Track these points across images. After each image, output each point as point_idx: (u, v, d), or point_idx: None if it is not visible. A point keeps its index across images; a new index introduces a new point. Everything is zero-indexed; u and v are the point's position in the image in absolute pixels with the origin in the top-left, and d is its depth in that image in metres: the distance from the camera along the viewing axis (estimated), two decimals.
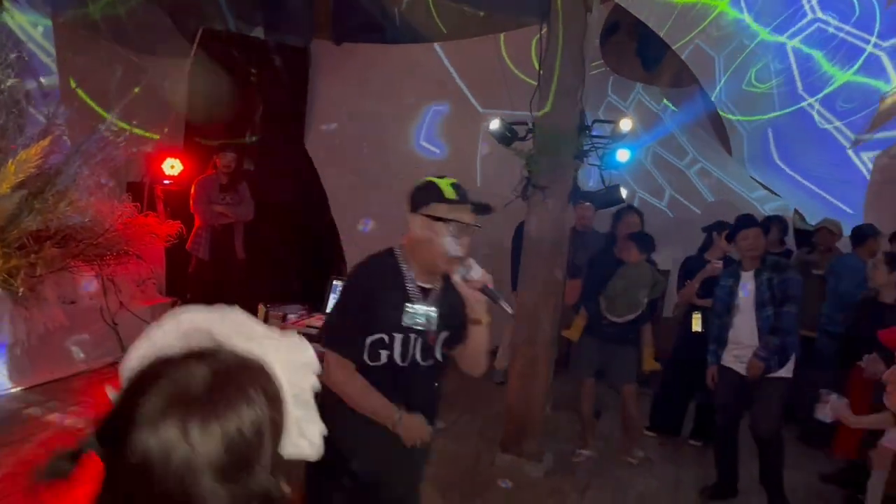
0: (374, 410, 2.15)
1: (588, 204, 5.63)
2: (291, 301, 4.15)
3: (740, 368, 4.24)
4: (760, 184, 6.84)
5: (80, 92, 5.68)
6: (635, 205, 6.17)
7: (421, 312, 2.16)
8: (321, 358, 1.94)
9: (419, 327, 2.16)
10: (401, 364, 2.17)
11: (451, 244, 2.10)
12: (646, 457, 4.95)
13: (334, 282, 4.09)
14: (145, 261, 6.12)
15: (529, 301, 4.62)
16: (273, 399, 0.80)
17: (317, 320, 3.85)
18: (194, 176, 6.62)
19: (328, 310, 4.03)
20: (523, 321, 4.65)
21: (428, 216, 2.13)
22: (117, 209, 5.18)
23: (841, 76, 5.98)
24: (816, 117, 6.21)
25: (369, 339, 2.12)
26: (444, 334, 2.24)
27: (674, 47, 6.03)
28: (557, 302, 4.68)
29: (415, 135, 7.79)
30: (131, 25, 6.99)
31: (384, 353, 2.14)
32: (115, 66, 6.86)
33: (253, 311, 4.08)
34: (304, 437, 0.83)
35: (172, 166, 6.83)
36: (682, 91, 7.25)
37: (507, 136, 4.95)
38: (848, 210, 6.44)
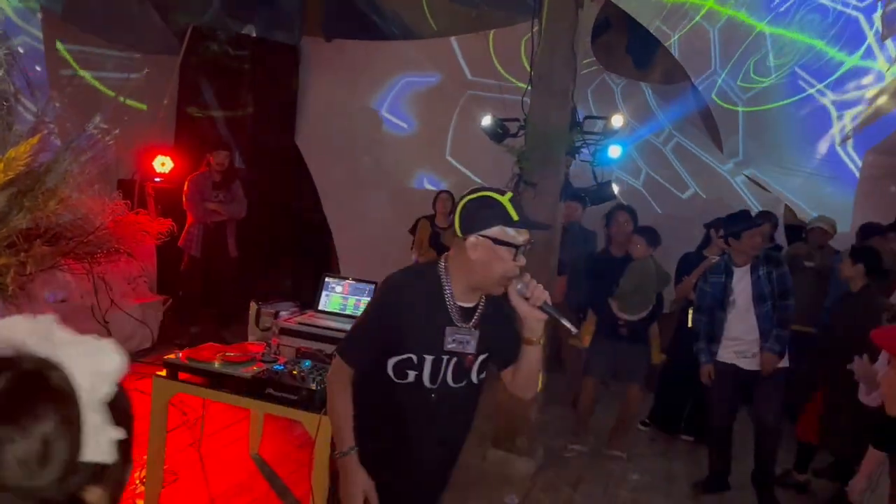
0: (336, 428, 2.07)
1: (576, 203, 5.62)
2: (283, 298, 4.14)
3: (743, 363, 4.25)
4: (752, 179, 6.86)
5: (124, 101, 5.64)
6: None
7: (462, 335, 2.03)
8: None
9: (457, 350, 2.03)
10: (429, 386, 2.02)
11: (513, 266, 1.94)
12: (625, 457, 4.95)
13: (326, 279, 4.09)
14: (136, 258, 6.10)
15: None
16: (68, 405, 0.80)
17: (308, 318, 3.85)
18: (185, 173, 6.60)
19: (320, 307, 4.03)
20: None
21: (491, 238, 1.91)
22: (108, 207, 5.15)
23: (848, 61, 6.00)
24: (825, 101, 6.21)
25: (396, 359, 1.99)
26: (482, 356, 2.09)
27: (671, 39, 6.03)
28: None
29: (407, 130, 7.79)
30: (121, 22, 6.96)
31: (412, 374, 2.00)
32: (106, 63, 6.85)
33: (245, 309, 4.07)
34: (99, 443, 0.82)
35: (163, 163, 6.81)
36: (673, 88, 7.27)
37: (499, 133, 4.96)
38: (838, 206, 6.48)
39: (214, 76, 7.26)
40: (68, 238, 4.23)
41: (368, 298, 3.85)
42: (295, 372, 3.19)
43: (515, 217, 1.90)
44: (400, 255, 6.76)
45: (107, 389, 0.85)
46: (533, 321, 1.98)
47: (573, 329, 2.03)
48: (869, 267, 4.30)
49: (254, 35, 7.76)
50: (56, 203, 3.73)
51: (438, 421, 2.07)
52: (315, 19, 7.85)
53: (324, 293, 4.02)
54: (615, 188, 5.02)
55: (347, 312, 3.93)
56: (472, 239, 1.93)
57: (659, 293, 4.96)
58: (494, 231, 1.91)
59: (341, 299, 4.00)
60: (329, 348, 3.51)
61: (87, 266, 5.23)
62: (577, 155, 4.75)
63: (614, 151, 5.01)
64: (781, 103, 6.31)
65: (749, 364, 4.25)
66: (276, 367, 3.28)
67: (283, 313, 3.84)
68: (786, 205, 6.71)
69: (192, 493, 3.83)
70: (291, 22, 7.90)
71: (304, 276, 7.15)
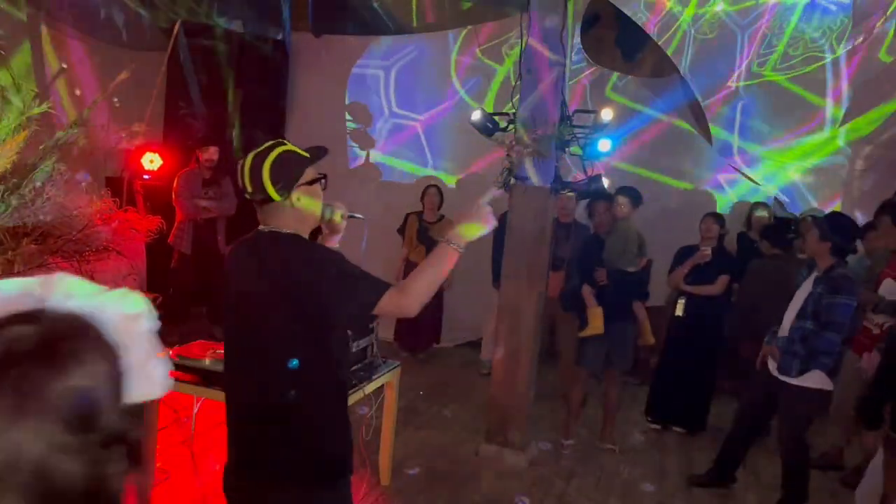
0: (440, 271, 2.12)
1: (571, 194, 5.64)
2: None
3: (772, 367, 4.09)
4: (741, 172, 6.87)
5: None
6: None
7: None
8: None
9: None
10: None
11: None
12: (617, 450, 4.98)
13: None
14: (125, 256, 6.07)
15: (512, 292, 4.64)
16: (106, 349, 0.82)
17: None
18: (173, 170, 6.56)
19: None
20: (506, 312, 4.66)
21: (305, 183, 2.10)
22: (96, 204, 5.12)
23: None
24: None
25: None
26: None
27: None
28: (540, 293, 4.69)
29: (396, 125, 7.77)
30: (108, 18, 6.91)
31: None
32: (92, 60, 6.79)
33: None
34: (149, 378, 0.86)
35: (151, 161, 6.77)
36: (663, 81, 7.27)
37: (489, 127, 4.95)
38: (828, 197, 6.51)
39: (202, 72, 7.21)
40: (56, 236, 4.20)
41: None
42: None
43: (303, 152, 2.13)
44: (390, 251, 6.75)
45: (143, 327, 0.89)
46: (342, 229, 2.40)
47: (360, 216, 2.46)
48: (836, 246, 3.92)
49: (242, 31, 7.71)
50: (43, 201, 3.71)
51: None
52: (303, 14, 7.81)
53: None
54: (605, 182, 5.02)
55: None
56: (295, 193, 2.04)
57: (647, 270, 5.02)
58: (307, 175, 2.09)
59: None
60: None
61: (76, 264, 5.21)
62: (566, 149, 4.75)
63: (604, 145, 5.01)
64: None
65: (774, 369, 4.08)
66: None
67: None
68: (775, 198, 6.72)
69: (184, 492, 3.81)
70: (280, 17, 7.86)
71: None
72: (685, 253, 5.38)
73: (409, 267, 6.13)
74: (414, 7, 7.58)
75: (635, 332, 4.99)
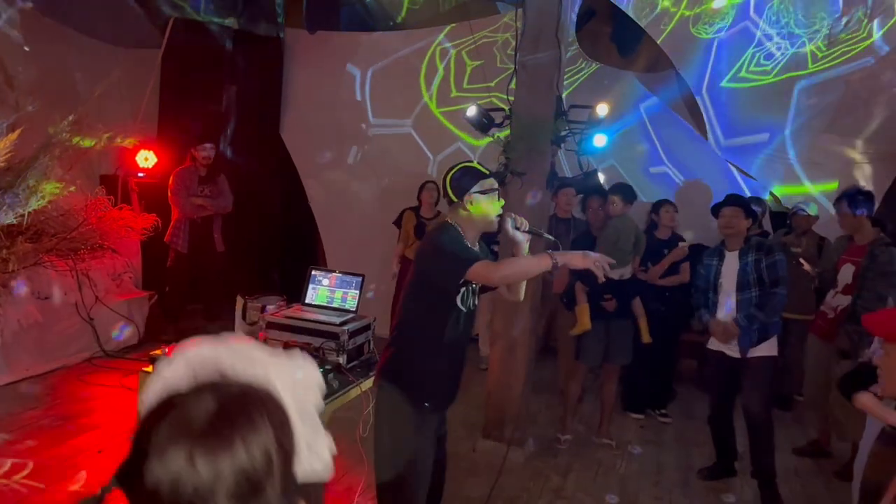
0: (526, 268, 2.71)
1: (571, 189, 5.66)
2: (270, 292, 4.11)
3: (727, 350, 4.27)
4: (736, 167, 6.88)
5: None
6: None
7: None
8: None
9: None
10: (462, 308, 2.79)
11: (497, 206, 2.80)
12: (614, 445, 4.99)
13: (313, 272, 4.06)
14: (121, 254, 6.06)
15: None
16: (279, 422, 0.83)
17: (295, 311, 3.82)
18: (168, 168, 6.55)
19: (307, 300, 4.00)
20: (502, 308, 4.66)
21: (478, 192, 2.73)
22: (91, 203, 5.11)
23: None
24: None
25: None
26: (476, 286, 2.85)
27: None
28: (536, 288, 4.69)
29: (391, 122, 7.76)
30: (101, 15, 6.88)
31: (458, 298, 2.76)
32: (85, 57, 6.76)
33: (231, 303, 4.05)
34: (315, 454, 0.87)
35: (146, 158, 6.75)
36: (658, 75, 7.27)
37: (484, 123, 4.95)
38: (821, 191, 6.52)
39: (197, 69, 7.19)
40: (51, 235, 4.20)
41: (356, 291, 3.83)
42: None
43: (485, 171, 2.80)
44: (386, 247, 6.74)
45: (314, 399, 0.90)
46: (523, 241, 2.86)
47: (551, 238, 2.90)
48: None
49: (236, 27, 7.69)
50: (38, 200, 3.70)
51: (464, 331, 2.88)
52: (298, 11, 7.79)
53: (311, 286, 4.00)
54: (601, 177, 5.02)
55: (335, 305, 3.91)
56: (466, 198, 2.71)
57: (644, 262, 5.01)
58: (477, 186, 2.73)
59: (328, 292, 3.98)
60: (317, 341, 3.49)
61: (71, 262, 5.20)
62: (562, 144, 4.75)
63: (599, 140, 5.01)
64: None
65: (732, 351, 4.25)
66: None
67: (269, 307, 3.82)
68: (771, 191, 6.74)
69: None
70: (274, 14, 7.84)
71: (290, 270, 7.12)
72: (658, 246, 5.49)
73: (404, 263, 6.11)
74: (410, 3, 7.56)
75: (634, 327, 5.00)
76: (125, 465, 0.81)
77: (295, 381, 0.88)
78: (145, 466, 0.78)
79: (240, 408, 0.81)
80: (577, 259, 2.64)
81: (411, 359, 2.82)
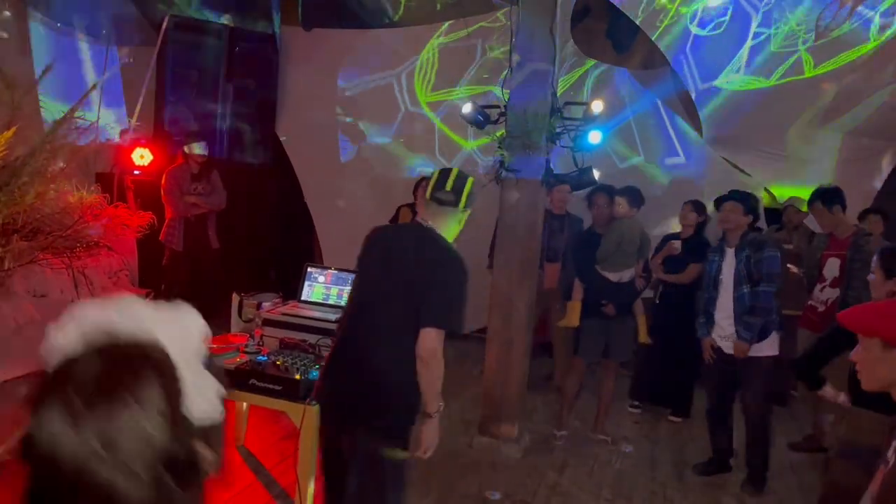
0: (436, 391, 2.59)
1: (566, 186, 5.66)
2: (266, 289, 4.12)
3: (724, 346, 4.29)
4: (731, 163, 6.89)
5: None
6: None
7: None
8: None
9: None
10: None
11: None
12: (610, 440, 5.00)
13: (309, 269, 4.07)
14: (117, 252, 6.04)
15: (504, 284, 4.65)
16: (166, 372, 0.87)
17: (291, 308, 3.83)
18: (164, 166, 6.53)
19: (303, 297, 4.00)
20: (498, 304, 4.67)
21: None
22: (86, 201, 5.10)
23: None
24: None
25: None
26: None
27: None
28: (532, 285, 4.70)
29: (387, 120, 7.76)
30: (96, 13, 6.86)
31: None
32: (81, 55, 6.75)
33: (227, 300, 4.05)
34: (204, 397, 0.91)
35: (142, 156, 6.74)
36: (653, 72, 7.28)
37: (480, 120, 4.95)
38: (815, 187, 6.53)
39: (192, 67, 7.18)
40: (46, 232, 4.19)
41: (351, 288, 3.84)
42: (279, 363, 3.18)
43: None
44: None
45: (197, 349, 0.93)
46: None
47: None
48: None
49: (232, 25, 7.68)
50: (33, 197, 3.70)
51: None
52: (294, 8, 7.78)
53: (306, 283, 4.01)
54: (596, 174, 5.02)
55: (330, 302, 3.92)
56: (468, 211, 2.70)
57: (646, 264, 5.02)
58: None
59: (324, 289, 3.99)
60: (312, 338, 3.50)
61: (67, 260, 5.19)
62: (557, 141, 4.75)
63: (594, 137, 5.02)
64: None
65: (728, 347, 4.27)
66: (259, 358, 3.28)
67: (265, 304, 3.83)
68: (765, 188, 6.75)
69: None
70: (269, 12, 7.83)
71: (286, 267, 7.12)
72: (668, 240, 5.50)
73: None
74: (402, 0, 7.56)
75: (634, 325, 5.00)
76: (24, 438, 0.83)
77: (180, 330, 0.92)
78: (39, 436, 0.80)
79: (126, 364, 0.84)
80: (429, 434, 2.66)
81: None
